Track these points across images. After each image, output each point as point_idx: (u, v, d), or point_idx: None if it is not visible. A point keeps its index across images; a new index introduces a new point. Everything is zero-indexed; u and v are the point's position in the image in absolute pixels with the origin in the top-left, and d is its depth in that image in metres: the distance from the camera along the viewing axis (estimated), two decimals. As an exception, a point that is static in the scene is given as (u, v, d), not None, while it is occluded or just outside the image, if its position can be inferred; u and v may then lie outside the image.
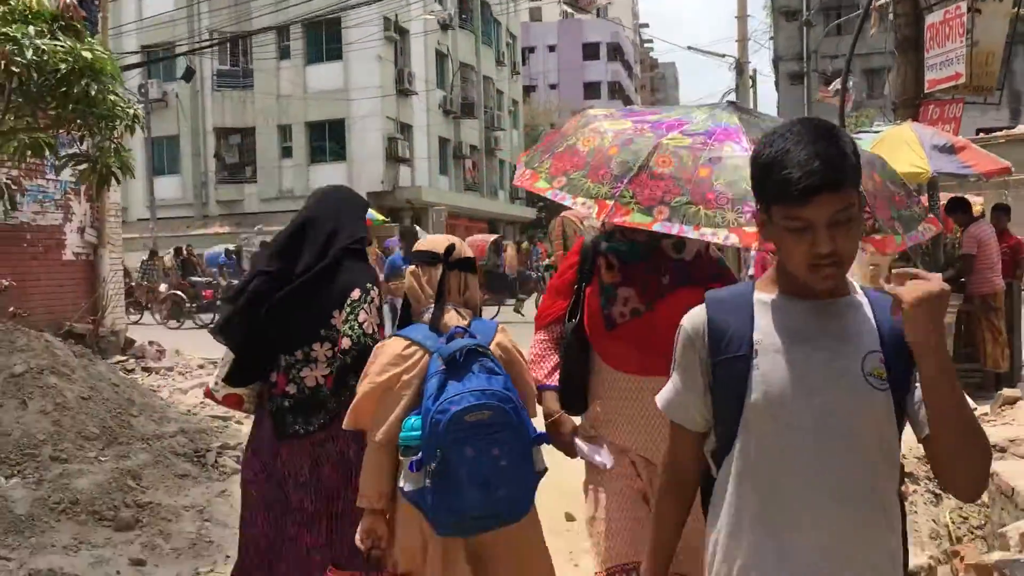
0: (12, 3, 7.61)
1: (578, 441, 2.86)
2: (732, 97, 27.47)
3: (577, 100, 66.36)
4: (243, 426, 6.59)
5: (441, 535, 2.56)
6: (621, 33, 76.24)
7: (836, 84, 21.00)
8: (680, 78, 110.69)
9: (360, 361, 2.83)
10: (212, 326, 3.87)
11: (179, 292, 19.16)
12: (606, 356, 2.87)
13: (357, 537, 2.71)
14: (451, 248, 2.79)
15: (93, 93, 7.78)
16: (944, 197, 9.51)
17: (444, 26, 37.01)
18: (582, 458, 2.87)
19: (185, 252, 22.49)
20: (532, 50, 70.18)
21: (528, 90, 62.62)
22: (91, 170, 8.30)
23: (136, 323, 17.09)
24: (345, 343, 3.02)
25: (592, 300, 2.88)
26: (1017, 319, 9.00)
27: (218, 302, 14.56)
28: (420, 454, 2.46)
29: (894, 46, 10.20)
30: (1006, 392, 6.58)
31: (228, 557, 4.48)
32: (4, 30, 7.35)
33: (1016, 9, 10.70)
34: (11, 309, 9.85)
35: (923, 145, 8.32)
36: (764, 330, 1.79)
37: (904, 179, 2.44)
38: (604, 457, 2.80)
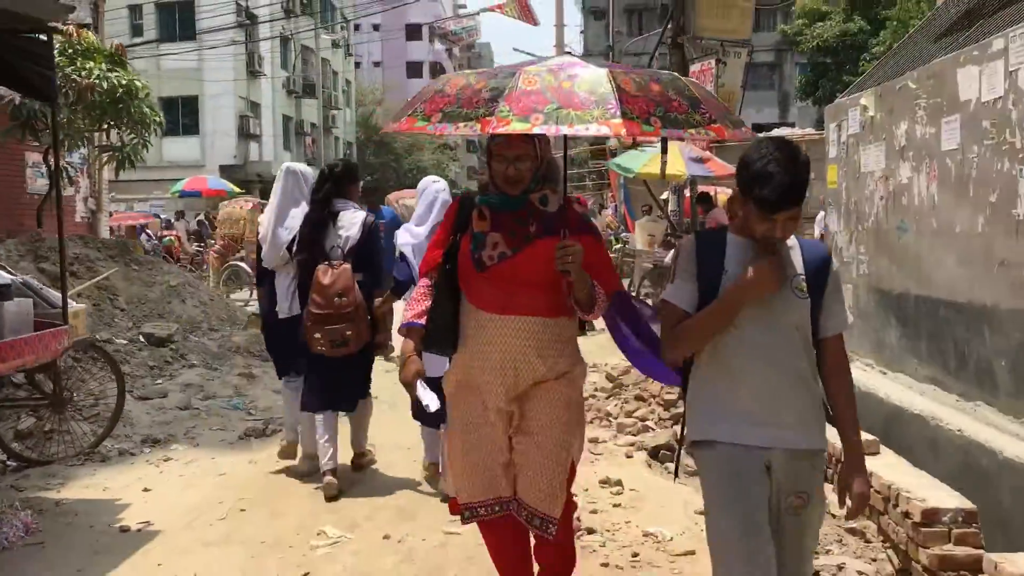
0: (80, 44, 11.07)
1: (419, 381, 3.19)
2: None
3: (401, 78, 69.54)
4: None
5: None
6: (442, 14, 79.33)
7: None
8: (495, 59, 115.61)
9: None
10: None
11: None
12: (473, 297, 3.13)
13: None
14: None
15: (136, 109, 11.37)
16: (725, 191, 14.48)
17: (288, 11, 39.92)
18: (416, 396, 3.21)
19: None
20: (357, 27, 72.39)
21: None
22: (115, 156, 11.87)
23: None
24: None
25: (465, 246, 3.14)
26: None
27: None
28: None
29: (669, 86, 15.01)
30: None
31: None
32: (86, 65, 10.82)
33: (749, 59, 15.77)
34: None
35: (683, 156, 13.21)
36: (730, 258, 2.66)
37: (704, 98, 2.81)
38: (428, 398, 3.14)
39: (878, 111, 8.08)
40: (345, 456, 5.62)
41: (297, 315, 5.29)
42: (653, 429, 6.74)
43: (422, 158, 58.29)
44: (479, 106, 2.64)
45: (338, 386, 5.19)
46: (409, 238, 5.23)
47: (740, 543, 2.53)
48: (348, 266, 5.06)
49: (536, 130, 2.58)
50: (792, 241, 2.71)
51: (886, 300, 7.45)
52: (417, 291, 3.31)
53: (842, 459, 2.77)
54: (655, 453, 6.17)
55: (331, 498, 5.08)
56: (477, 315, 3.11)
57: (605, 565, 4.24)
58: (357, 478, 5.51)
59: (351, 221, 5.18)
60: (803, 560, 2.72)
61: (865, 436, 6.05)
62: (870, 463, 4.19)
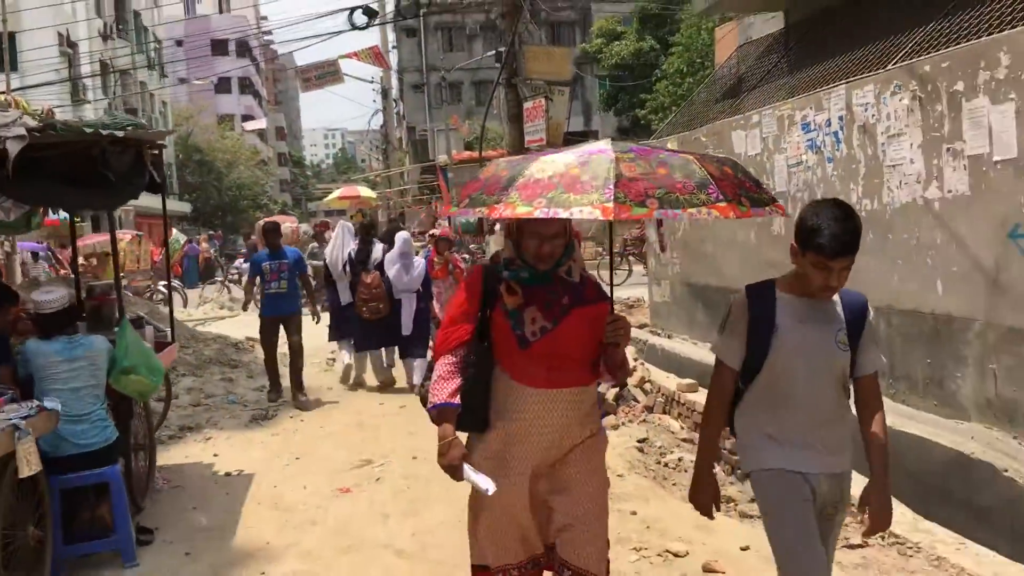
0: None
1: (465, 465, 3.11)
2: (380, 116, 34.48)
3: (209, 94, 69.32)
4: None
5: None
6: (248, 30, 79.00)
7: (469, 125, 28.88)
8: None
9: None
10: None
11: None
12: (516, 374, 3.14)
13: None
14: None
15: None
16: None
17: (105, 37, 40.18)
18: (467, 481, 3.10)
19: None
20: (160, 43, 71.14)
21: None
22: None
23: None
24: None
25: (501, 323, 3.14)
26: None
27: None
28: None
29: (507, 120, 17.88)
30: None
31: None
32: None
33: (570, 97, 18.91)
34: None
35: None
36: (781, 316, 2.99)
37: (756, 177, 3.05)
38: (486, 483, 3.04)
39: (680, 154, 11.22)
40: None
41: (351, 303, 9.72)
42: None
43: (241, 174, 58.93)
44: (588, 191, 2.67)
45: (377, 337, 9.75)
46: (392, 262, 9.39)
47: (803, 548, 2.96)
48: (377, 273, 9.62)
49: (656, 214, 2.67)
50: (835, 295, 3.07)
51: (693, 290, 10.57)
52: (443, 368, 3.21)
53: (869, 479, 3.07)
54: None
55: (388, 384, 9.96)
56: (519, 390, 3.16)
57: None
58: (369, 433, 7.97)
59: (376, 249, 9.93)
60: (832, 552, 3.20)
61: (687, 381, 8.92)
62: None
